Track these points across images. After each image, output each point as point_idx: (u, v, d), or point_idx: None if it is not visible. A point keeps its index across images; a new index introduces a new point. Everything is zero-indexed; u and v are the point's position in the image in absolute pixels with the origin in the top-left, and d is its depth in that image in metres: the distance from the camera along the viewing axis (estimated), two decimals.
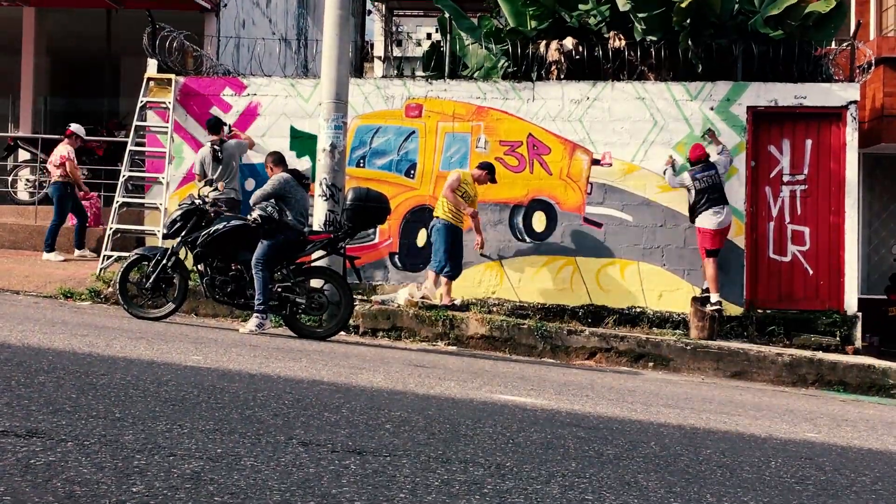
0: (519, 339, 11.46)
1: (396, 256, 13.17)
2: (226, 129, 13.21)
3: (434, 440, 4.56)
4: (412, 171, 13.21)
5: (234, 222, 10.38)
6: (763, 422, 6.99)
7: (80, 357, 6.17)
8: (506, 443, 4.71)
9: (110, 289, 11.94)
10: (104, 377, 5.36)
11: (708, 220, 12.14)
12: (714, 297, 12.07)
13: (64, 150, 13.74)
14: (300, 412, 4.90)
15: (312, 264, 10.66)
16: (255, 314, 10.05)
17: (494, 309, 12.57)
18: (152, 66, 13.81)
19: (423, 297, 11.89)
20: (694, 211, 12.29)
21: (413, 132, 13.25)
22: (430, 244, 12.82)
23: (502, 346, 11.47)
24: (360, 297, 12.19)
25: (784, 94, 12.64)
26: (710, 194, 12.12)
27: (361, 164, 13.26)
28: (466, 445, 4.51)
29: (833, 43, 13.51)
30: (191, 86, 13.80)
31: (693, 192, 12.23)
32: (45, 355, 6.07)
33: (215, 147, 12.73)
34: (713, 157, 12.38)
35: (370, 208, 10.46)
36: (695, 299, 12.08)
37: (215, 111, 13.41)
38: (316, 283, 10.56)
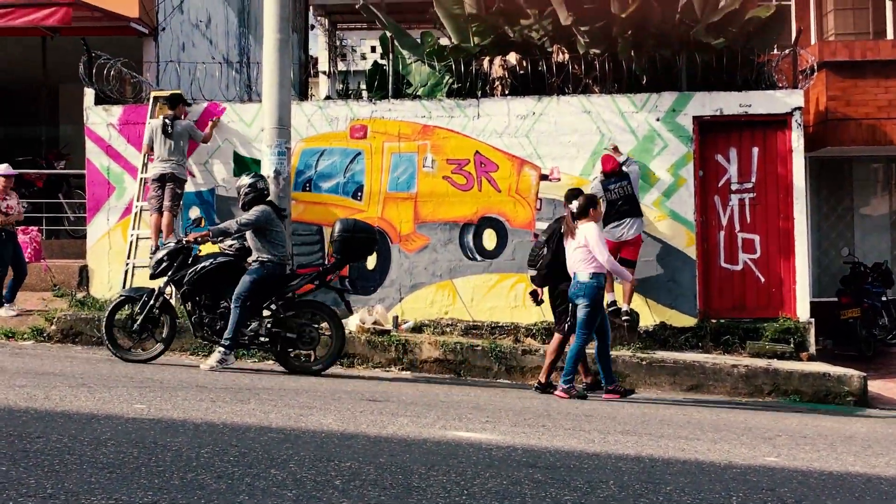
0: (473, 362, 11.31)
1: (347, 280, 12.96)
2: (186, 109, 13.01)
3: (385, 497, 4.37)
4: (359, 193, 13.03)
5: (220, 259, 10.22)
6: (722, 446, 6.88)
7: (16, 415, 5.92)
8: (460, 494, 4.54)
9: (53, 327, 11.66)
10: (40, 440, 5.12)
11: (606, 231, 11.97)
12: (624, 306, 12.00)
13: None
14: (245, 471, 4.70)
15: (303, 299, 10.48)
16: (219, 349, 9.84)
17: (448, 329, 12.41)
18: (89, 95, 13.51)
19: (375, 323, 11.71)
20: (604, 222, 12.14)
21: (359, 153, 13.07)
22: (378, 267, 12.75)
23: (457, 368, 11.32)
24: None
25: (729, 102, 12.61)
26: (622, 206, 12.04)
27: (308, 188, 13.06)
28: (419, 502, 4.34)
29: (775, 49, 13.51)
30: (130, 113, 13.52)
31: (604, 202, 12.11)
32: None
33: (167, 120, 12.53)
34: (632, 169, 12.30)
35: (359, 239, 10.41)
36: (611, 312, 11.99)
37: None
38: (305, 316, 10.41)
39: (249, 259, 10.22)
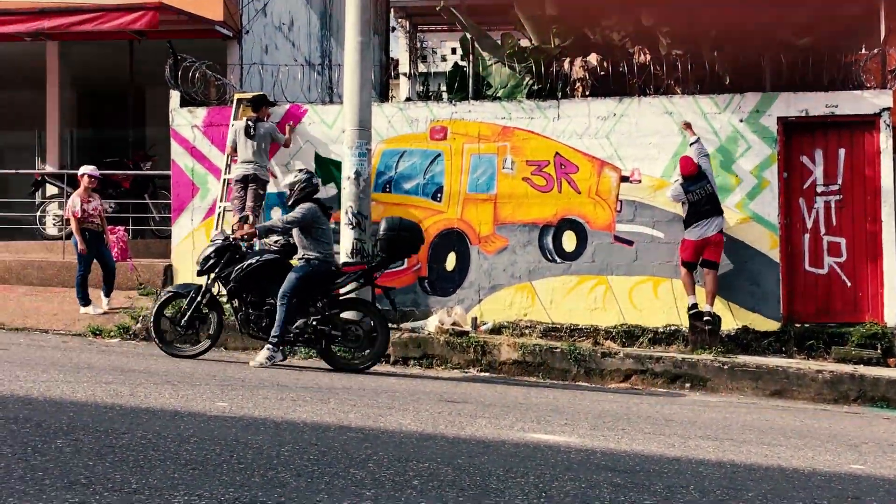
0: (552, 364, 11.27)
1: (426, 281, 13.01)
2: (269, 110, 13.20)
3: (463, 499, 4.38)
4: (439, 195, 13.07)
5: (266, 256, 10.30)
6: (806, 452, 6.76)
7: (101, 411, 6.05)
8: (538, 497, 4.52)
9: (138, 325, 11.88)
10: (125, 436, 5.22)
11: (688, 231, 12.08)
12: (705, 308, 11.90)
13: (72, 200, 12.88)
14: (325, 469, 4.74)
15: (349, 296, 10.54)
16: (267, 346, 9.93)
17: (526, 331, 12.39)
18: (175, 97, 13.76)
19: (454, 324, 11.73)
20: (686, 223, 12.13)
21: (439, 155, 13.11)
22: (458, 268, 12.78)
23: (535, 370, 11.28)
24: (389, 324, 12.06)
25: (815, 103, 12.38)
26: (703, 206, 11.94)
27: (388, 189, 13.14)
28: None
29: (863, 49, 13.23)
30: (214, 115, 13.74)
31: (686, 205, 12.09)
32: (66, 411, 5.95)
33: (249, 123, 12.71)
34: (688, 151, 12.22)
35: (403, 237, 10.41)
36: (692, 315, 11.93)
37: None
38: (351, 314, 10.47)
39: (295, 257, 10.30)
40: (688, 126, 12.33)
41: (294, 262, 10.29)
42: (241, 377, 8.71)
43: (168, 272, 13.70)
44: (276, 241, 10.44)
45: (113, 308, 12.65)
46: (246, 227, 10.45)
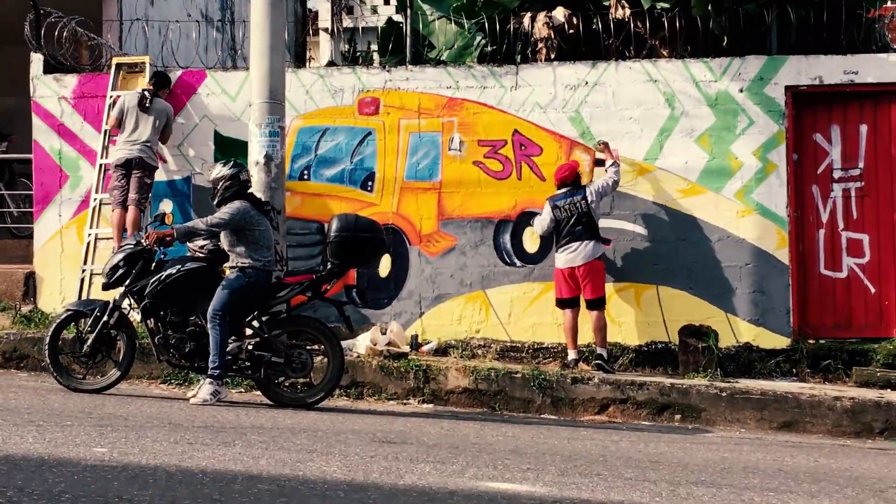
0: (511, 392, 11.35)
1: (354, 291, 13.02)
2: (167, 91, 13.16)
3: None
4: (370, 183, 13.09)
5: (189, 265, 10.20)
6: (821, 500, 6.88)
7: None
8: None
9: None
10: None
11: (558, 258, 12.15)
12: (598, 351, 12.02)
13: None
14: None
15: (292, 313, 10.56)
16: (208, 380, 9.88)
17: (479, 352, 12.46)
18: (37, 61, 13.63)
19: (388, 344, 11.78)
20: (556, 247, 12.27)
21: (369, 133, 13.14)
22: (394, 274, 12.77)
23: (491, 400, 11.36)
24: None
25: (831, 68, 12.57)
26: (572, 225, 11.98)
27: (306, 177, 13.14)
28: None
29: (889, 2, 13.47)
30: (87, 84, 13.63)
31: (550, 223, 12.15)
32: None
33: (146, 93, 12.68)
34: (597, 180, 12.38)
35: (361, 240, 10.33)
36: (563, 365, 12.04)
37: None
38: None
39: (226, 265, 10.26)
40: (606, 147, 12.44)
41: (225, 271, 10.24)
42: (122, 414, 8.69)
43: (30, 281, 13.56)
44: (202, 247, 10.36)
45: None
46: (157, 231, 10.27)
